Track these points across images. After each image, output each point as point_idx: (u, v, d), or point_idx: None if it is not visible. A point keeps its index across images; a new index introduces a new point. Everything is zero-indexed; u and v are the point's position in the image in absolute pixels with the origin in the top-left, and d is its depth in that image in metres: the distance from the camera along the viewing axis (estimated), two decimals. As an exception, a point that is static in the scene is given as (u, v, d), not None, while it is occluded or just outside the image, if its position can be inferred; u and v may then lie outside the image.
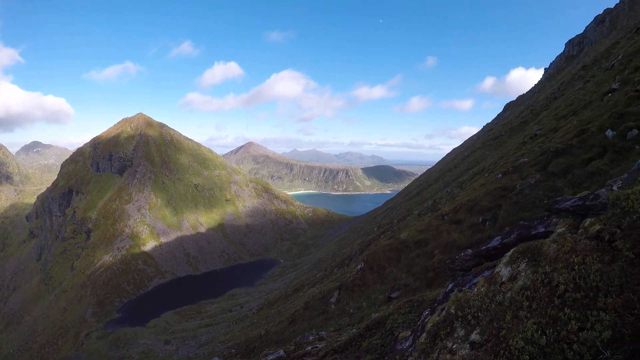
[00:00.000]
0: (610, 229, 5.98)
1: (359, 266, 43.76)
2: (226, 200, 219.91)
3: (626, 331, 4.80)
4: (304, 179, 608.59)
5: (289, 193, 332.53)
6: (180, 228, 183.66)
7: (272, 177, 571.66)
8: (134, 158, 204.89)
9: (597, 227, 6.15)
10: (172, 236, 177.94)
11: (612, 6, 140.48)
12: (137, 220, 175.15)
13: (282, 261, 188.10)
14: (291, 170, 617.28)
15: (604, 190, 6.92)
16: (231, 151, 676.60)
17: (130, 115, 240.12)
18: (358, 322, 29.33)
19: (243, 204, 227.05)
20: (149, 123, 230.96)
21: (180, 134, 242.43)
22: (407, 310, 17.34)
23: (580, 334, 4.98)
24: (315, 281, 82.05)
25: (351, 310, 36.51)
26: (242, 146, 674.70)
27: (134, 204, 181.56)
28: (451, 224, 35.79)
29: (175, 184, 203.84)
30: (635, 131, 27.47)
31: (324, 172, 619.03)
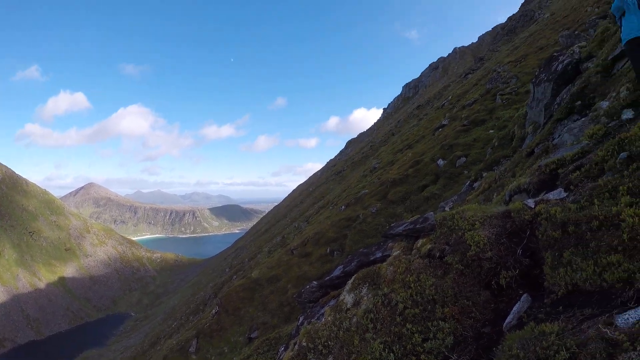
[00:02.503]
0: (440, 246, 6.43)
1: (214, 310, 42.70)
2: (66, 249, 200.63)
3: (467, 333, 5.14)
4: (149, 223, 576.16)
5: (134, 238, 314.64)
6: (16, 285, 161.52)
7: (115, 222, 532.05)
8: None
9: (428, 246, 6.59)
10: (6, 295, 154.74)
11: (445, 55, 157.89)
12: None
13: (133, 314, 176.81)
14: (135, 213, 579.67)
15: (432, 213, 7.46)
16: (70, 193, 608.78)
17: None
18: (220, 368, 28.63)
19: (85, 252, 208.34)
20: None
21: (14, 172, 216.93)
22: (265, 349, 17.21)
23: (425, 345, 5.21)
24: (171, 332, 78.42)
25: (213, 358, 35.43)
26: (83, 187, 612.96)
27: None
28: (301, 257, 36.42)
29: (7, 232, 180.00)
30: (463, 159, 30.36)
31: (170, 214, 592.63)
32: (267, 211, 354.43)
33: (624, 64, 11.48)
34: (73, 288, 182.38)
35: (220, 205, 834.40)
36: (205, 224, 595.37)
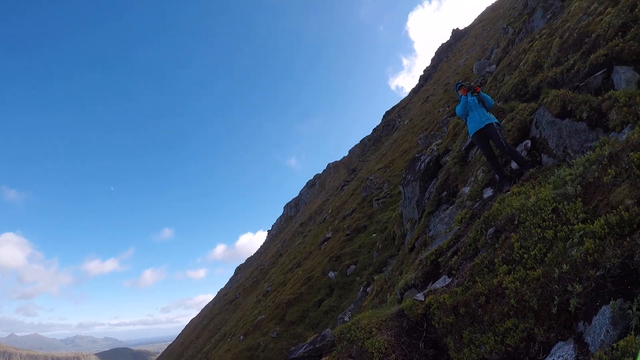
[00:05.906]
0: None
1: None
2: None
3: None
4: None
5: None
6: None
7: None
8: None
9: (333, 363, 6.40)
10: None
11: (320, 172, 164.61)
12: None
13: None
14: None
15: (328, 329, 7.36)
16: None
17: None
18: None
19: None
20: None
21: None
22: None
23: None
24: None
25: None
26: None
27: None
28: (206, 400, 34.25)
29: None
30: (353, 267, 30.86)
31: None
32: (161, 352, 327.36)
33: (476, 151, 12.56)
34: None
35: (108, 349, 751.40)
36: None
